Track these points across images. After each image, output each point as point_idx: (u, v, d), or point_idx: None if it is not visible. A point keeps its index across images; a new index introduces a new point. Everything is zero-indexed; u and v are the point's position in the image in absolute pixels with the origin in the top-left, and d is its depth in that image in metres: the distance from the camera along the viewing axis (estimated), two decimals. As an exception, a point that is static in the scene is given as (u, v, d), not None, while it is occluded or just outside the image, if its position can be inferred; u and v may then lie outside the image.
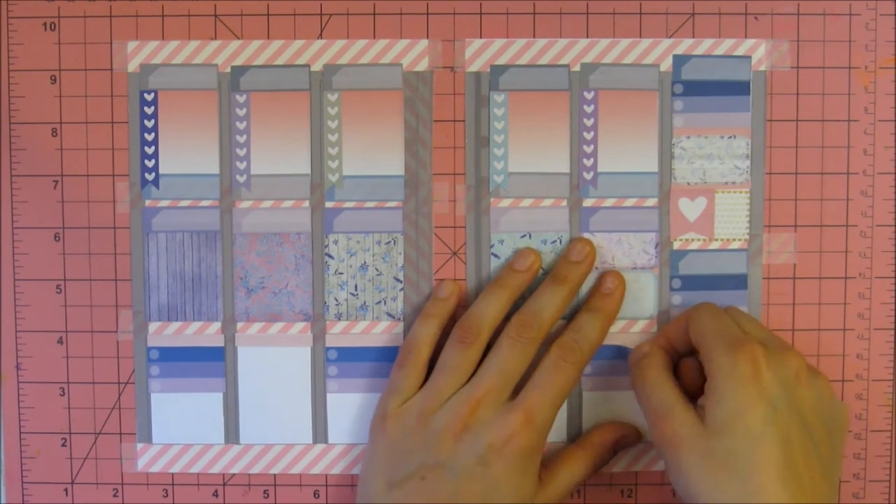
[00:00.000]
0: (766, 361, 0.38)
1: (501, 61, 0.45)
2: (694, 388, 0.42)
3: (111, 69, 0.45)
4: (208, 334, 0.46)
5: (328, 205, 0.46)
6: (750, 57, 0.45)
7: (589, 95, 0.45)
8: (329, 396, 0.46)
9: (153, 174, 0.46)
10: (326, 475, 0.46)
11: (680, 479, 0.39)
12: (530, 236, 0.46)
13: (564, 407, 0.46)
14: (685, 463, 0.38)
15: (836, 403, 0.41)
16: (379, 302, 0.46)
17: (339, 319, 0.46)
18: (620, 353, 0.46)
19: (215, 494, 0.46)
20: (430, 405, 0.41)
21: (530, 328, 0.42)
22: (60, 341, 0.46)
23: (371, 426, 0.43)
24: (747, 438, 0.37)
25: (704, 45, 0.45)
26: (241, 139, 0.45)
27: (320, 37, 0.45)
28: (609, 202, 0.46)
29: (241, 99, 0.45)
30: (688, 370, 0.43)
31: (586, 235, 0.46)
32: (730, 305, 0.45)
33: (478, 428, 0.40)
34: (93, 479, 0.46)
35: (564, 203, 0.46)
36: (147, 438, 0.46)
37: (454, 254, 0.46)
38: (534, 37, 0.45)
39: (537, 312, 0.42)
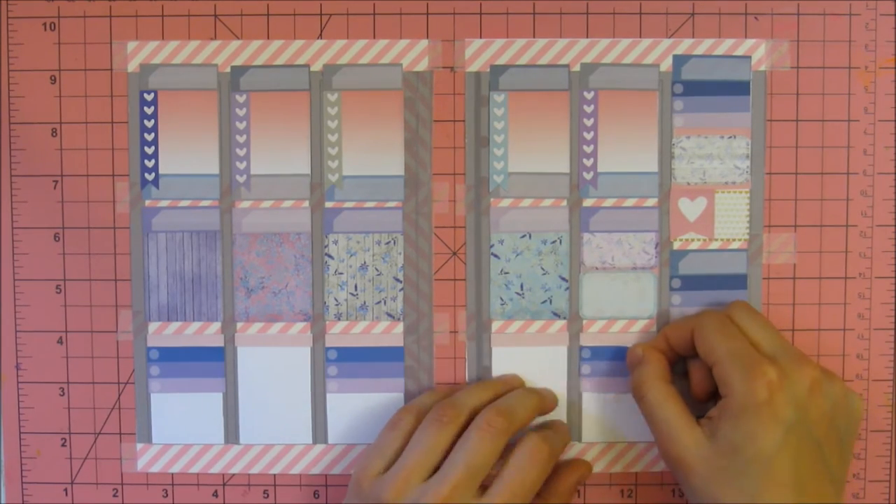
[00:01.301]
0: (779, 383, 0.39)
1: (501, 61, 0.45)
2: (703, 391, 0.43)
3: (111, 69, 0.45)
4: (208, 334, 0.46)
5: (328, 205, 0.46)
6: (750, 57, 0.45)
7: (589, 95, 0.45)
8: (329, 396, 0.46)
9: (153, 174, 0.46)
10: (326, 475, 0.46)
11: (689, 494, 0.40)
12: (530, 236, 0.46)
13: (563, 407, 0.46)
14: (693, 482, 0.39)
15: (851, 402, 0.41)
16: (379, 302, 0.46)
17: (339, 319, 0.46)
18: (620, 353, 0.46)
19: (215, 494, 0.46)
20: (399, 489, 0.39)
21: (502, 418, 0.40)
22: (60, 341, 0.46)
23: (353, 477, 0.41)
24: (759, 460, 0.38)
25: (704, 45, 0.45)
26: (241, 139, 0.45)
27: (320, 37, 0.45)
28: (609, 202, 0.46)
29: (241, 99, 0.45)
30: (698, 375, 0.43)
31: (586, 235, 0.46)
32: (734, 302, 0.44)
33: None
34: (93, 479, 0.46)
35: (564, 203, 0.46)
36: (147, 438, 0.46)
37: (454, 254, 0.46)
38: (534, 37, 0.45)
39: (510, 406, 0.42)
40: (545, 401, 0.44)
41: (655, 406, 0.41)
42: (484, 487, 0.40)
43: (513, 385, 0.45)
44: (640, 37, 0.45)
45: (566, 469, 0.45)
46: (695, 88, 0.45)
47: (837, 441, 0.40)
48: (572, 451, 0.46)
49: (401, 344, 0.46)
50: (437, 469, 0.40)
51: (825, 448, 0.39)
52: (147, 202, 0.46)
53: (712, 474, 0.38)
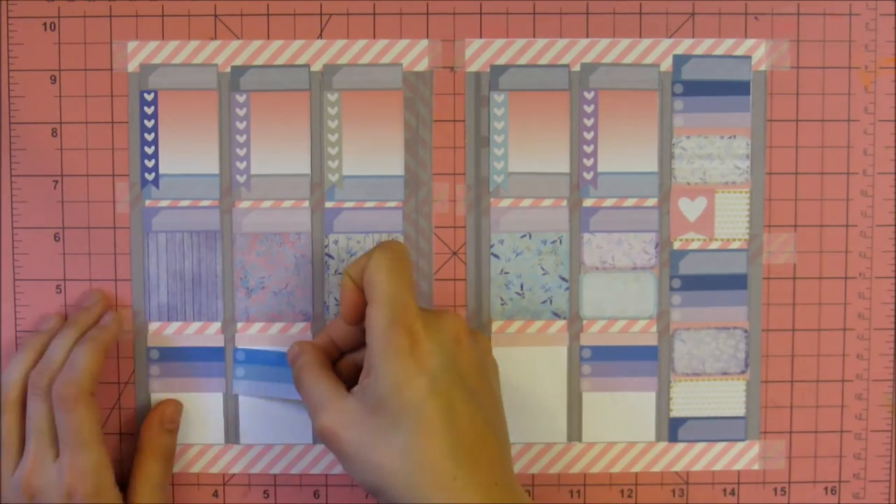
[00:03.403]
0: (424, 332, 0.37)
1: (501, 61, 0.45)
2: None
3: (111, 69, 0.45)
4: (208, 334, 0.46)
5: (328, 205, 0.46)
6: (750, 57, 0.45)
7: (589, 95, 0.45)
8: (329, 396, 0.46)
9: (153, 174, 0.46)
10: (326, 475, 0.46)
11: (348, 468, 0.38)
12: (530, 236, 0.46)
13: (564, 408, 0.46)
14: (348, 449, 0.37)
15: (493, 359, 0.42)
16: (379, 302, 0.46)
17: (339, 319, 0.46)
18: (620, 353, 0.46)
19: (215, 494, 0.46)
20: (3, 480, 0.41)
21: (42, 376, 0.41)
22: (60, 341, 0.46)
23: None
24: (406, 411, 0.36)
25: (704, 45, 0.45)
26: (241, 139, 0.46)
27: (320, 37, 0.45)
28: (609, 202, 0.46)
29: (241, 99, 0.45)
30: (347, 366, 0.43)
31: (586, 235, 0.46)
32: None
33: (43, 497, 0.40)
34: (93, 479, 0.46)
35: (564, 203, 0.46)
36: (147, 438, 0.46)
37: (454, 254, 0.46)
38: (534, 37, 0.45)
39: (48, 361, 0.42)
40: (102, 339, 0.43)
41: (307, 388, 0.40)
42: None
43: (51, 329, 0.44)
44: (640, 37, 0.45)
45: (150, 411, 0.45)
46: (695, 88, 0.45)
47: (489, 387, 0.39)
48: (573, 452, 0.46)
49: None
50: None
51: (481, 396, 0.38)
52: (147, 202, 0.46)
53: (364, 437, 0.37)
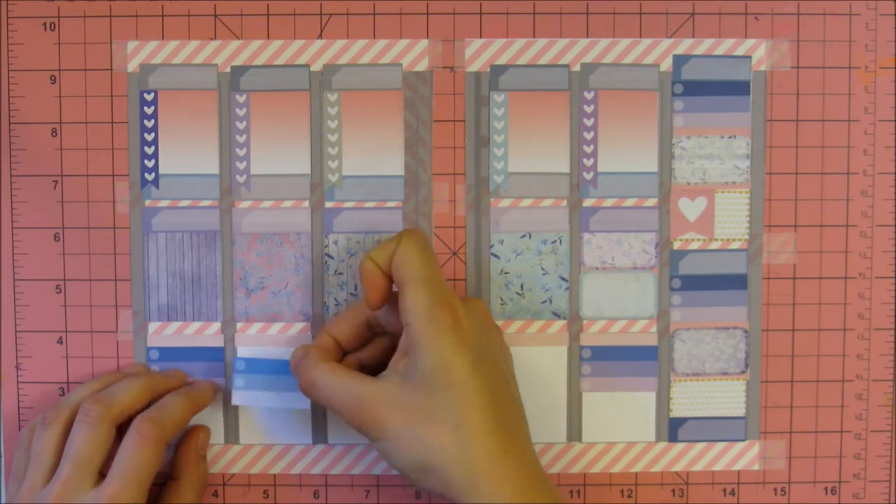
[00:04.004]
0: (462, 309, 0.38)
1: (501, 61, 0.45)
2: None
3: (111, 69, 0.45)
4: (208, 334, 0.46)
5: (328, 205, 0.46)
6: (750, 57, 0.45)
7: (589, 95, 0.45)
8: (329, 396, 0.46)
9: (153, 174, 0.46)
10: (326, 475, 0.46)
11: (393, 454, 0.37)
12: (530, 236, 0.46)
13: (564, 408, 0.46)
14: (392, 430, 0.37)
15: (507, 345, 0.43)
16: (379, 302, 0.46)
17: (339, 319, 0.46)
18: (620, 353, 0.46)
19: (215, 494, 0.46)
20: (25, 498, 0.39)
21: (100, 404, 0.40)
22: (60, 341, 0.46)
23: None
24: (454, 387, 0.36)
25: (704, 45, 0.45)
26: (241, 139, 0.46)
27: (320, 37, 0.45)
28: (609, 202, 0.46)
29: (241, 99, 0.45)
30: (351, 367, 0.42)
31: (586, 235, 0.46)
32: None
33: None
34: (93, 480, 0.46)
35: (564, 203, 0.46)
36: (147, 438, 0.46)
37: (454, 254, 0.46)
38: (534, 37, 0.45)
39: (111, 393, 0.41)
40: (155, 389, 0.43)
41: (329, 386, 0.39)
42: None
43: (127, 372, 0.44)
44: (640, 37, 0.45)
45: (184, 439, 0.45)
46: (695, 88, 0.45)
47: (512, 373, 0.42)
48: (573, 451, 0.46)
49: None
50: None
51: (504, 369, 0.40)
52: (147, 202, 0.46)
53: (410, 415, 0.37)
